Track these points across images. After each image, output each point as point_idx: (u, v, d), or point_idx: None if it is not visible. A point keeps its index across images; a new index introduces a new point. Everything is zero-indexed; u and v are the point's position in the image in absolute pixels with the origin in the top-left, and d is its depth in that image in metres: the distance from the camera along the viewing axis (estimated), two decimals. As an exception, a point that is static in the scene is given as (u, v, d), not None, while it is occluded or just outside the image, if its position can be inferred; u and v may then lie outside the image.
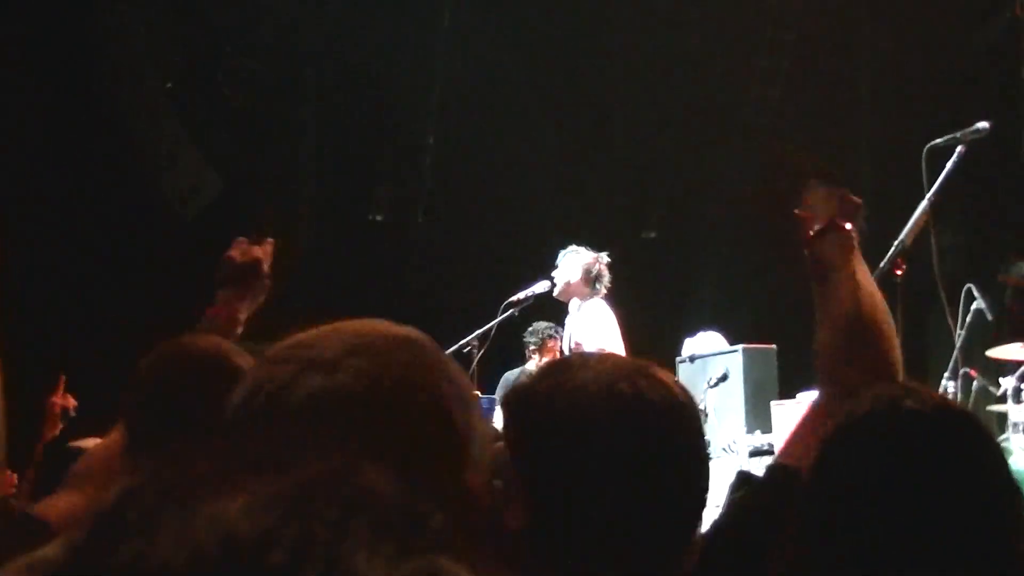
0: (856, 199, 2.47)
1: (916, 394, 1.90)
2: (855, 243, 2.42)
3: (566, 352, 8.81)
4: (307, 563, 0.78)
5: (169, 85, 11.88)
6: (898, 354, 2.35)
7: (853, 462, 1.87)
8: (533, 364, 9.66)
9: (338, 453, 0.88)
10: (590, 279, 8.76)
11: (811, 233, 2.44)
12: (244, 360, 2.74)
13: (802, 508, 1.91)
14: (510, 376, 9.75)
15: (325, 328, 1.49)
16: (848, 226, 2.42)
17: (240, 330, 3.19)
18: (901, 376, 2.35)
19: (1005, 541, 1.81)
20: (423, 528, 0.83)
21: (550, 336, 9.82)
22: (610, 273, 8.90)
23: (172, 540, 0.78)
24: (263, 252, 3.33)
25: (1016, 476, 1.87)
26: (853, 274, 2.37)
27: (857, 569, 1.82)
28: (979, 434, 1.90)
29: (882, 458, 1.85)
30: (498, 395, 9.49)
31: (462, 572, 0.81)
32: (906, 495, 1.81)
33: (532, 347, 9.87)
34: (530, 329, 9.88)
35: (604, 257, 8.88)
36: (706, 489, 1.95)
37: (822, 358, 2.36)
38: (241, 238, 3.34)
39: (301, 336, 1.49)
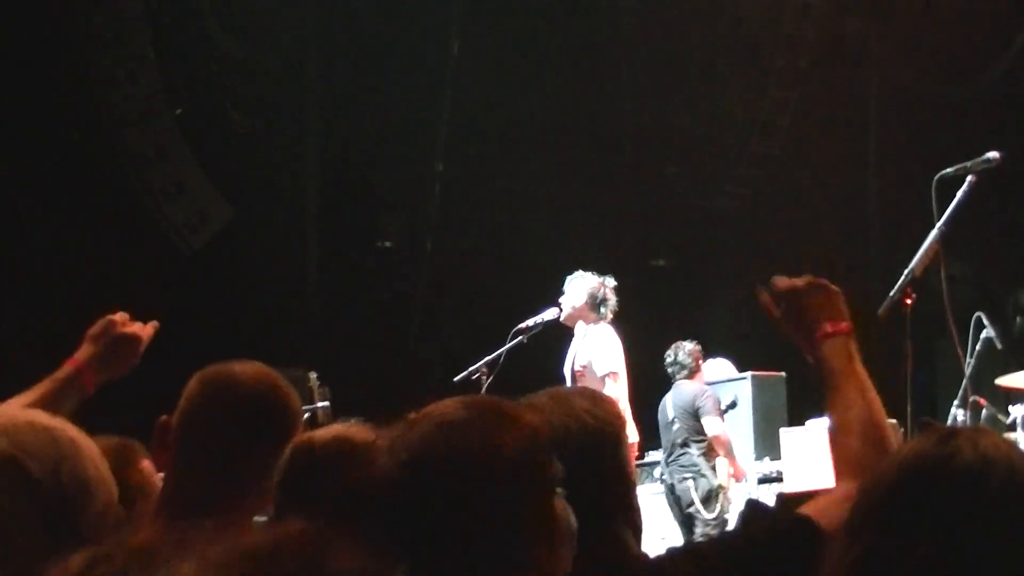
0: (838, 291, 2.78)
1: (973, 431, 1.91)
2: (853, 346, 2.69)
3: (567, 376, 8.80)
4: None
5: (179, 111, 11.92)
6: (893, 445, 2.60)
7: (892, 484, 1.88)
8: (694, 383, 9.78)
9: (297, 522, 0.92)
10: (595, 303, 8.77)
11: (817, 336, 2.71)
12: (291, 392, 2.78)
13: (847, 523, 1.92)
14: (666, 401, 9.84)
15: None
16: (844, 325, 2.71)
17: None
18: None
19: None
20: None
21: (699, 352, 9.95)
22: (617, 297, 8.89)
23: None
24: (144, 332, 3.16)
25: None
26: (859, 379, 2.65)
27: None
28: None
29: (923, 490, 1.85)
30: (662, 419, 9.72)
31: None
32: (940, 524, 1.81)
33: (683, 373, 9.87)
34: (678, 353, 9.89)
35: (610, 281, 8.88)
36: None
37: (837, 445, 2.62)
38: (124, 313, 3.19)
39: None
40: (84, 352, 3.05)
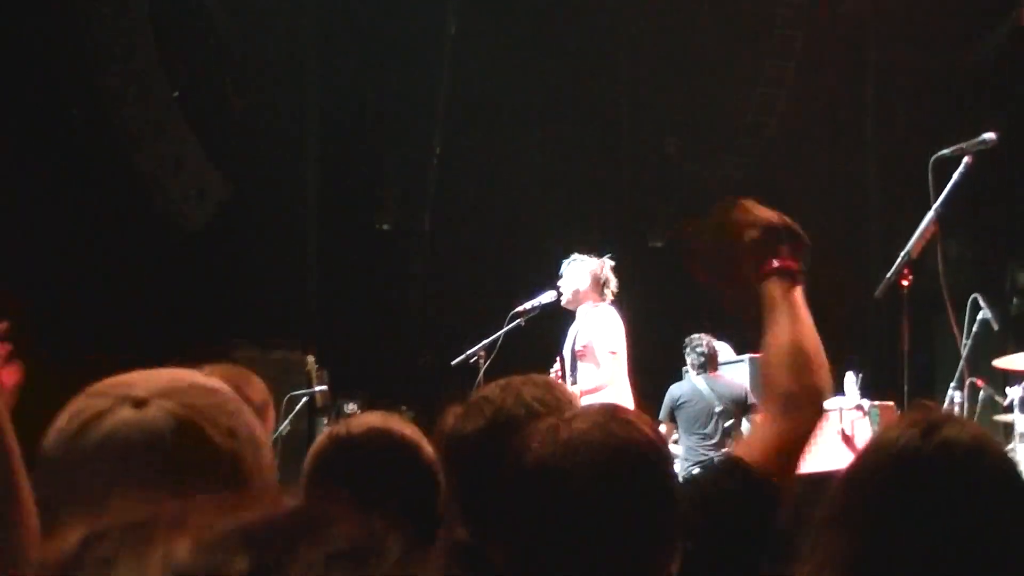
0: (801, 236, 2.72)
1: (953, 423, 1.95)
2: (797, 281, 2.68)
3: (567, 356, 8.82)
4: None
5: (176, 93, 11.90)
6: (826, 377, 2.64)
7: (881, 482, 1.92)
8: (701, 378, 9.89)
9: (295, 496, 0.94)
10: (599, 285, 8.80)
11: (762, 269, 2.68)
12: (257, 389, 2.79)
13: (825, 519, 1.96)
14: (674, 392, 9.88)
15: (142, 372, 1.69)
16: (792, 264, 2.68)
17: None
18: (828, 394, 2.67)
19: None
20: (379, 554, 0.86)
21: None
22: (616, 278, 8.93)
23: None
24: None
25: None
26: (794, 308, 2.64)
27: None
28: (1009, 470, 1.94)
29: (909, 481, 1.89)
30: (664, 408, 9.76)
31: None
32: (928, 523, 1.85)
33: (689, 362, 10.01)
34: (690, 346, 10.02)
35: (608, 261, 8.91)
36: (673, 534, 2.08)
37: (764, 376, 2.67)
38: None
39: (121, 376, 1.67)
40: None
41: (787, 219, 2.70)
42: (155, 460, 1.56)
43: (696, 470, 9.58)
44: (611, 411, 2.15)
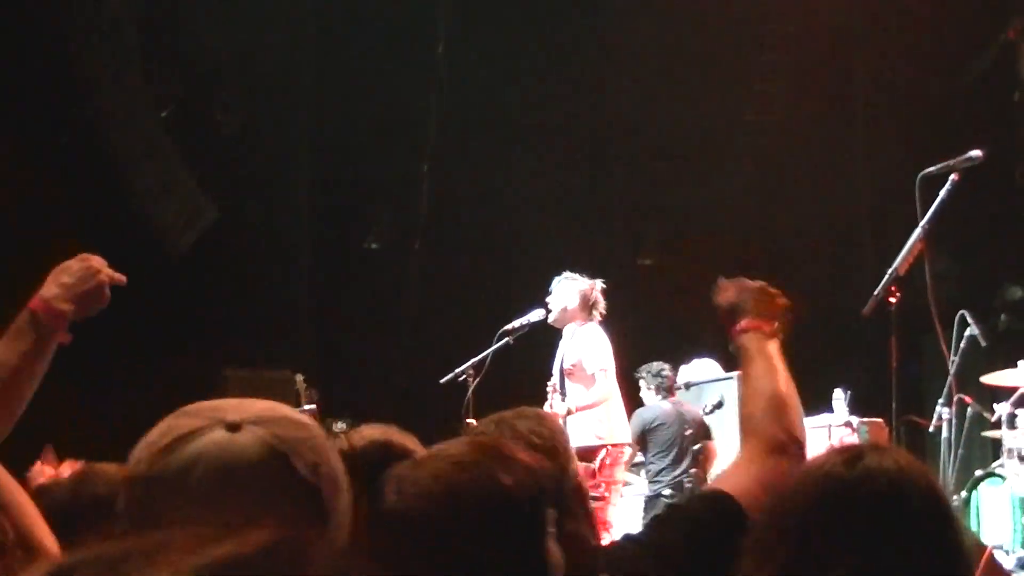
0: (782, 301, 3.02)
1: (879, 453, 2.04)
2: (774, 335, 2.97)
3: (556, 375, 8.82)
4: None
5: (164, 114, 11.89)
6: (801, 422, 2.86)
7: (803, 507, 1.97)
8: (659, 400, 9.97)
9: (270, 526, 0.93)
10: (587, 305, 8.81)
11: (737, 328, 2.99)
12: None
13: (754, 544, 2.02)
14: (645, 414, 9.88)
15: (234, 399, 1.72)
16: (767, 325, 2.98)
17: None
18: (804, 438, 2.87)
19: None
20: None
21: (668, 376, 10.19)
22: (605, 299, 8.93)
23: None
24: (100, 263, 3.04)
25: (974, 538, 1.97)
26: (770, 360, 2.91)
27: None
28: (933, 500, 2.01)
29: (830, 506, 1.95)
30: (635, 431, 9.67)
31: None
32: (854, 548, 1.90)
33: (654, 386, 10.08)
34: (651, 372, 10.08)
35: (599, 284, 8.92)
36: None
37: (748, 421, 2.85)
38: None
39: (213, 401, 1.71)
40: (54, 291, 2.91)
41: (762, 286, 3.03)
42: (240, 484, 1.58)
43: (667, 491, 9.62)
44: (468, 455, 2.14)
